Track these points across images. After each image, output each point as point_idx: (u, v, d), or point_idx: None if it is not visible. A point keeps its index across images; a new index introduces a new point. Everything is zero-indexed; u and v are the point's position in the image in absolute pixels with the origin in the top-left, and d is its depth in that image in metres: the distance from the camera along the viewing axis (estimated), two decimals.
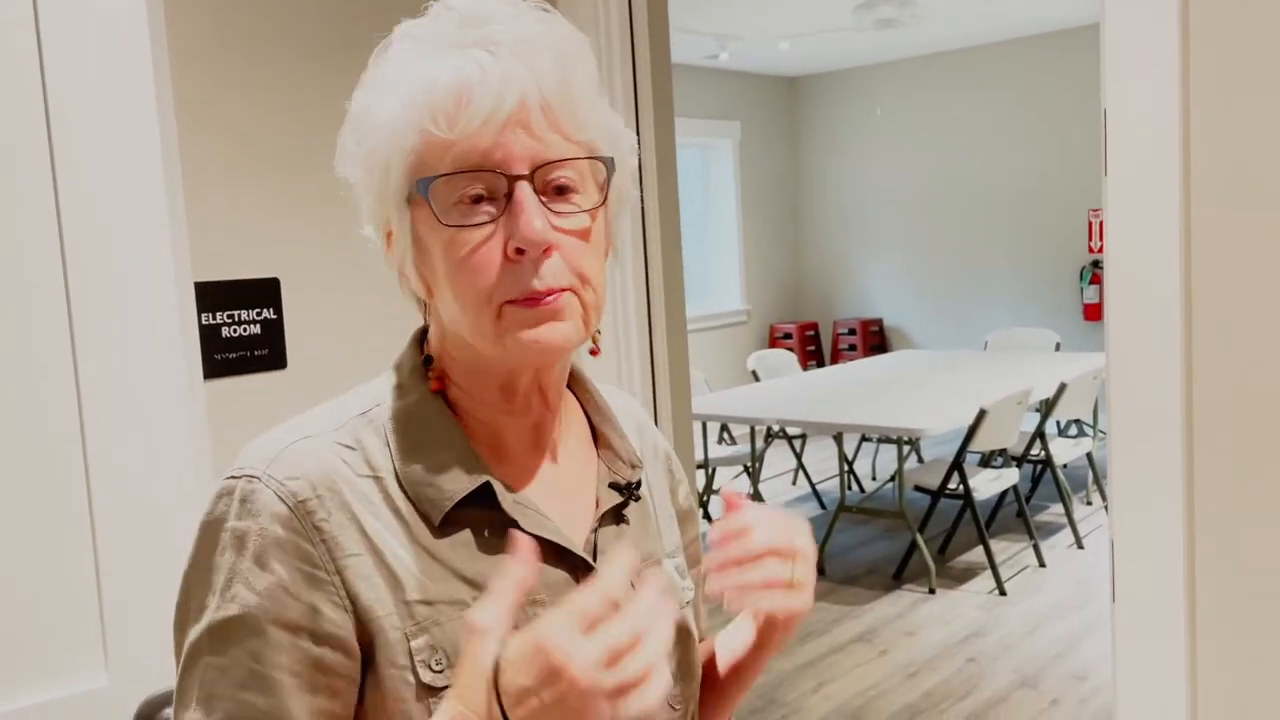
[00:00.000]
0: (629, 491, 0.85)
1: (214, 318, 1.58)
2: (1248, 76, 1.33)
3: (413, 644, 0.72)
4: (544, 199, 0.73)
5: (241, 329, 1.61)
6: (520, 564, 0.67)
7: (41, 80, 1.10)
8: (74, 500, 1.11)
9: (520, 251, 0.71)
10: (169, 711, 1.16)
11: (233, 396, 1.60)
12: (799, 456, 5.97)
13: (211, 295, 1.57)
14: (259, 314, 1.62)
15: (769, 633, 0.89)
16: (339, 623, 0.71)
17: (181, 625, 0.73)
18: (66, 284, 1.11)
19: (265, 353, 1.63)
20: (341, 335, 1.74)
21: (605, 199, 0.77)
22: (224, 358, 1.59)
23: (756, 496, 5.10)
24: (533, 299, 0.72)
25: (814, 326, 8.57)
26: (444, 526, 0.75)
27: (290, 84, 1.70)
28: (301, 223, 1.68)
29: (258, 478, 0.72)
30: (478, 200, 0.72)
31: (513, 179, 0.71)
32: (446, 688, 0.70)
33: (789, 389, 5.50)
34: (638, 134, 2.43)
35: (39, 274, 1.10)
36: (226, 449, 1.58)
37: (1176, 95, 1.35)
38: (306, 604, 0.70)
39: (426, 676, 0.71)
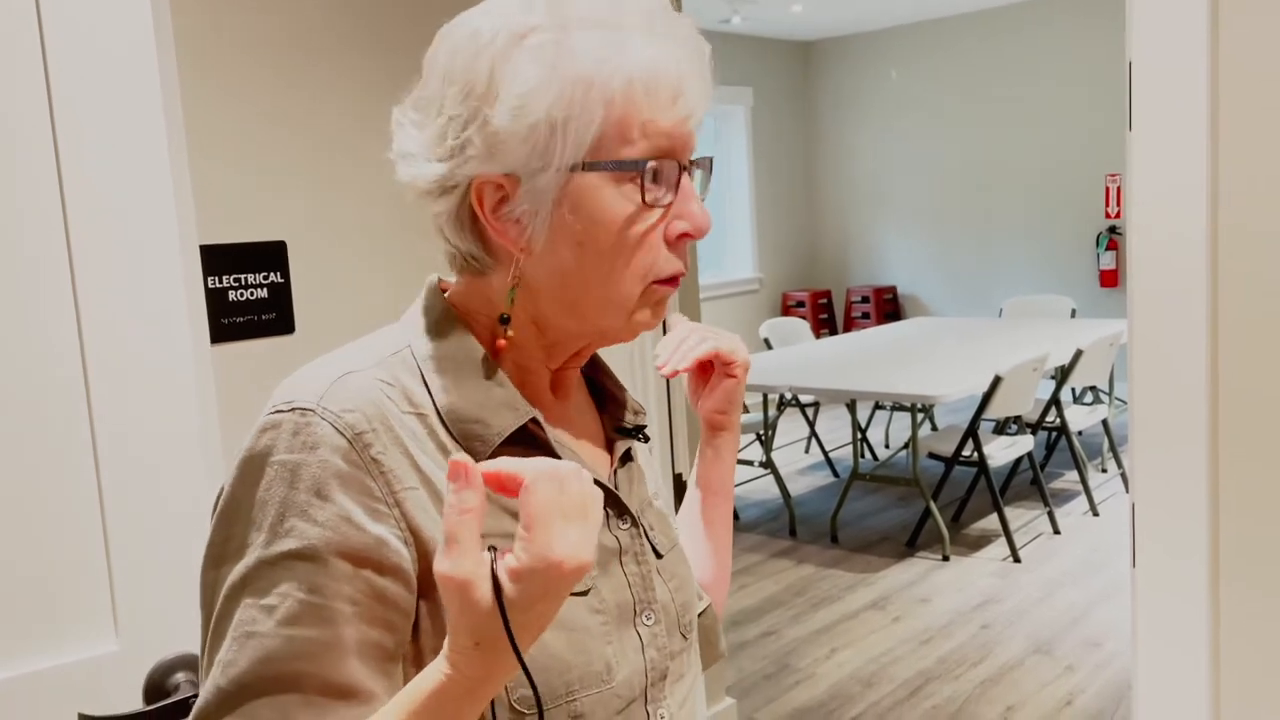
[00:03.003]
0: (638, 434, 0.89)
1: (220, 281, 1.57)
2: (1279, 20, 1.29)
3: None
4: None
5: (248, 293, 1.59)
6: (471, 493, 0.62)
7: (40, 41, 1.08)
8: (81, 465, 1.11)
9: (686, 235, 0.78)
10: (180, 676, 1.16)
11: (241, 361, 1.58)
12: (812, 424, 5.95)
13: (217, 258, 1.55)
14: (266, 278, 1.60)
15: (720, 418, 1.00)
16: (403, 554, 0.70)
17: (215, 562, 0.71)
18: (69, 247, 1.09)
19: (273, 317, 1.61)
20: (350, 299, 1.73)
21: (705, 193, 0.83)
22: (231, 322, 1.57)
23: (769, 464, 5.10)
24: (673, 280, 0.78)
25: (827, 294, 8.53)
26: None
27: (298, 45, 1.67)
28: (308, 185, 1.66)
29: (312, 410, 0.70)
30: (654, 180, 0.75)
31: (682, 168, 0.77)
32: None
33: (802, 357, 5.47)
34: None
35: (41, 238, 1.08)
36: (235, 413, 1.57)
37: (1205, 44, 1.31)
38: (373, 535, 0.69)
39: None
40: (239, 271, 1.58)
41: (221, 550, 0.71)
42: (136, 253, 1.13)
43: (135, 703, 1.13)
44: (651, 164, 0.74)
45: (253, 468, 0.70)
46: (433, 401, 0.76)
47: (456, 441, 0.75)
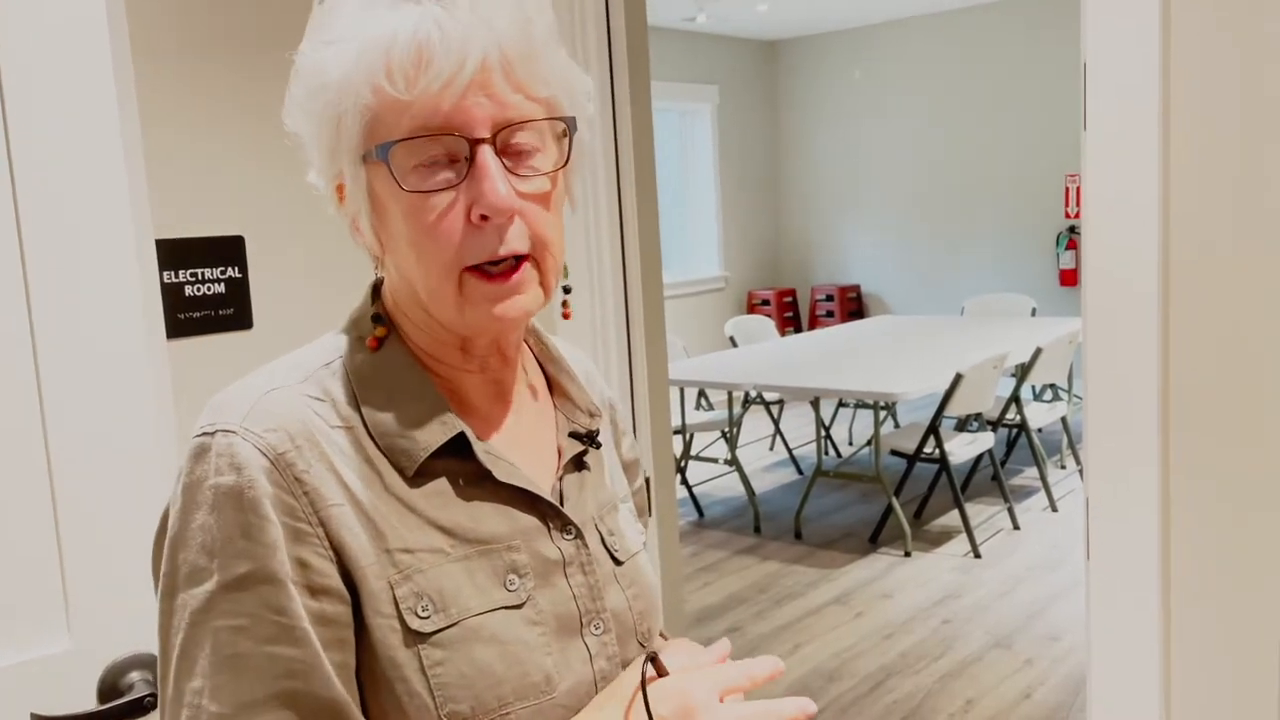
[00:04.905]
0: (590, 439, 0.86)
1: (176, 276, 1.55)
2: (1230, 26, 1.31)
3: (397, 592, 0.71)
4: (505, 161, 0.72)
5: (205, 288, 1.57)
6: (766, 670, 0.79)
7: None
8: (32, 462, 1.09)
9: (484, 218, 0.71)
10: (135, 675, 1.14)
11: (197, 357, 1.57)
12: (776, 422, 5.98)
13: (173, 253, 1.54)
14: (223, 273, 1.59)
15: None
16: (327, 573, 0.70)
17: (171, 591, 0.70)
18: (21, 242, 1.08)
19: (230, 312, 1.60)
20: (309, 294, 1.71)
21: (567, 159, 0.76)
22: (187, 317, 1.55)
23: (734, 462, 5.11)
24: (494, 273, 0.72)
25: (792, 293, 8.57)
26: (417, 477, 0.75)
27: (258, 36, 1.65)
28: (267, 178, 1.65)
29: (234, 432, 0.70)
30: (436, 163, 0.71)
31: (474, 143, 0.70)
32: (434, 633, 0.71)
33: (767, 355, 5.50)
34: (612, 97, 2.40)
35: None
36: (191, 410, 1.55)
37: (1157, 46, 1.33)
38: (294, 558, 0.69)
39: (414, 623, 0.71)
40: (196, 266, 1.56)
41: (174, 579, 0.70)
42: (91, 247, 1.12)
43: (89, 702, 1.12)
44: (397, 145, 0.70)
45: (191, 494, 0.70)
46: (360, 415, 0.75)
47: (384, 455, 0.74)
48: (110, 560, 1.13)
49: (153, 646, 1.15)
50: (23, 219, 1.08)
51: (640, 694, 0.73)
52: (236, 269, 1.60)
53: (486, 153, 0.70)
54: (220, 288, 1.58)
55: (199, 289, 1.56)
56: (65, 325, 1.10)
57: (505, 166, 0.71)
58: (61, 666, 1.11)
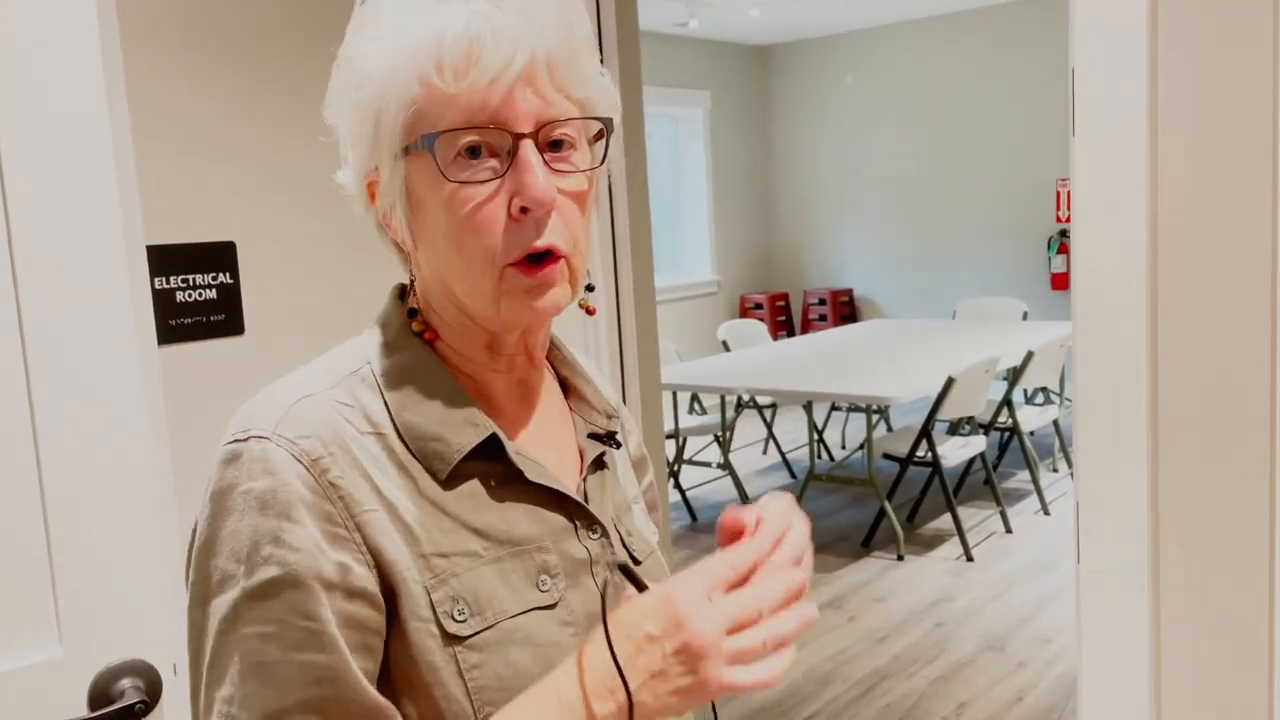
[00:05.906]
0: (610, 439, 0.87)
1: (167, 282, 1.55)
2: (1217, 30, 1.32)
3: (434, 596, 0.72)
4: (545, 157, 0.73)
5: (197, 294, 1.57)
6: (749, 556, 0.69)
7: None
8: (22, 467, 1.09)
9: (524, 210, 0.72)
10: (126, 682, 1.14)
11: (189, 363, 1.56)
12: (769, 426, 5.99)
13: (164, 259, 1.53)
14: (214, 278, 1.59)
15: None
16: (367, 578, 0.70)
17: (201, 601, 0.70)
18: (11, 248, 1.08)
19: (222, 318, 1.59)
20: (301, 299, 1.71)
21: (604, 159, 0.78)
22: (179, 323, 1.55)
23: (727, 466, 5.11)
24: (533, 264, 0.73)
25: (784, 297, 8.59)
26: (449, 479, 0.75)
27: (249, 41, 1.66)
28: (258, 184, 1.65)
29: (267, 438, 0.71)
30: (476, 155, 0.72)
31: (517, 136, 0.72)
32: (471, 636, 0.72)
33: (759, 359, 5.50)
34: None
35: None
36: (183, 415, 1.55)
37: (1144, 51, 1.34)
38: (336, 561, 0.69)
39: (451, 627, 0.72)
40: (187, 272, 1.56)
41: (204, 588, 0.70)
42: (81, 253, 1.11)
43: (80, 710, 1.11)
44: (444, 138, 0.70)
45: (221, 501, 0.70)
46: (391, 420, 0.75)
47: (415, 458, 0.75)
48: (102, 567, 1.13)
49: (144, 653, 1.15)
50: (12, 225, 1.08)
51: (608, 623, 0.68)
52: (228, 275, 1.60)
53: (528, 147, 0.72)
54: (212, 294, 1.58)
55: (190, 295, 1.56)
56: (56, 331, 1.10)
57: (545, 162, 0.73)
58: (53, 673, 1.11)
